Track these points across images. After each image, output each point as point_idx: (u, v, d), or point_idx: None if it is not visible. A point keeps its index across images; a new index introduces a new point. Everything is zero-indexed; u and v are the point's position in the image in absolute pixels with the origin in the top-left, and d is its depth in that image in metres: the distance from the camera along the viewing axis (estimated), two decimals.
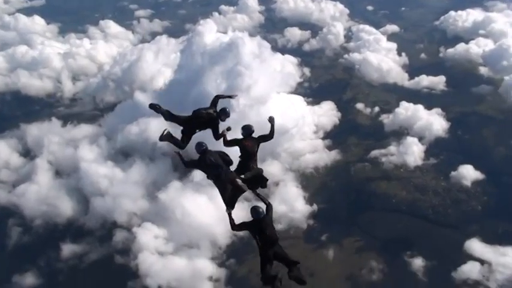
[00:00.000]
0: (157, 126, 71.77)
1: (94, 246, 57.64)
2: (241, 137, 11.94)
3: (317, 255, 55.42)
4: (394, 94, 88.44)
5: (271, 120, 12.21)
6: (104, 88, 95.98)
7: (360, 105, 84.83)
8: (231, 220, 10.46)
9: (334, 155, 72.04)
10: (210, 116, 11.70)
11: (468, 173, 63.37)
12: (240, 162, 11.57)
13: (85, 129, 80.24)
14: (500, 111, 78.80)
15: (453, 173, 64.24)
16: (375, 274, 52.02)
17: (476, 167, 64.08)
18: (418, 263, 52.11)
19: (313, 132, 77.49)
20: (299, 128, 73.75)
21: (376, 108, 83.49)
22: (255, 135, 12.05)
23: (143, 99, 79.98)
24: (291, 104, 79.06)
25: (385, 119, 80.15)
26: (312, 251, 56.30)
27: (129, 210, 60.27)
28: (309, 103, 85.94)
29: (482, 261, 50.45)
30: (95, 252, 56.97)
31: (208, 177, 11.08)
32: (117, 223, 59.35)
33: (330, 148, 74.09)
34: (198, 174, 65.00)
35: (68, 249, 56.88)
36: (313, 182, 67.52)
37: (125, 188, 62.80)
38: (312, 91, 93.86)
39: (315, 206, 61.79)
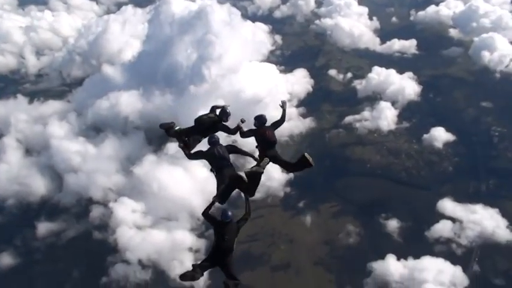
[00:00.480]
0: (127, 99, 70.40)
1: (71, 223, 56.70)
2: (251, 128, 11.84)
3: (295, 221, 56.21)
4: (366, 59, 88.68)
5: (283, 104, 12.37)
6: (70, 62, 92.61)
7: (332, 72, 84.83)
8: (209, 207, 10.37)
9: (308, 123, 72.27)
10: (213, 120, 11.83)
11: (440, 135, 64.81)
12: (260, 152, 11.53)
13: (53, 106, 77.78)
14: (470, 73, 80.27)
15: (425, 136, 65.60)
16: (352, 237, 53.21)
17: (448, 129, 65.55)
18: (393, 224, 53.52)
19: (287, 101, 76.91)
20: (273, 96, 73.21)
21: (349, 74, 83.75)
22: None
23: (111, 72, 77.89)
24: (264, 72, 78.21)
25: (358, 84, 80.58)
26: (289, 218, 57.03)
27: (105, 186, 59.27)
28: (281, 71, 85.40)
29: (454, 220, 52.26)
30: (72, 229, 56.08)
31: (211, 169, 11.12)
32: (92, 199, 58.36)
33: (304, 116, 74.22)
34: (172, 147, 64.38)
35: (44, 227, 55.79)
36: (288, 150, 67.55)
37: (99, 164, 61.55)
38: (284, 59, 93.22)
39: (291, 174, 62.08)
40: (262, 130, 11.59)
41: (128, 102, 70.09)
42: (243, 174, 10.17)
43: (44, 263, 53.28)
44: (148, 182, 57.53)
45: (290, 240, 53.54)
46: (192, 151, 11.52)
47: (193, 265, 9.93)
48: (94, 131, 69.77)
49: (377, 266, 48.17)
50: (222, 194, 10.36)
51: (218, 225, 10.22)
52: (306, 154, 11.04)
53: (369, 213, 55.60)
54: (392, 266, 47.65)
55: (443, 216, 52.85)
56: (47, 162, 63.82)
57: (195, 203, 56.28)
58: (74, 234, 55.61)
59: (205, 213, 10.35)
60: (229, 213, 10.29)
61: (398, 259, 48.29)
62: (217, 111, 12.10)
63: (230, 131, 11.83)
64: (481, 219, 51.40)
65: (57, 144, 64.49)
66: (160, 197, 56.12)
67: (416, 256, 48.19)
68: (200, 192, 57.18)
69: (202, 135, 11.72)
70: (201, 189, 57.86)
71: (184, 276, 9.67)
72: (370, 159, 63.89)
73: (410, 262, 47.87)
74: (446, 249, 49.66)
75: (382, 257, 48.80)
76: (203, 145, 11.82)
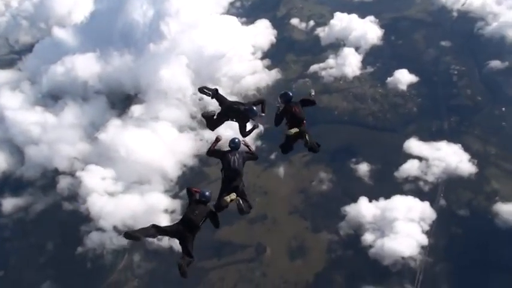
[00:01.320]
0: (84, 63, 66.92)
1: (38, 197, 55.03)
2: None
3: (268, 174, 56.52)
4: (327, 6, 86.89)
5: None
6: (16, 27, 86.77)
7: (294, 21, 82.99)
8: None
9: (274, 75, 71.20)
10: (239, 110, 11.67)
11: (403, 77, 65.45)
12: (289, 126, 11.63)
13: (3, 75, 73.32)
14: (428, 14, 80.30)
15: (389, 79, 66.14)
16: (325, 184, 54.20)
17: (410, 71, 66.12)
18: (363, 168, 54.72)
19: (251, 53, 75.41)
20: (236, 50, 71.50)
21: (311, 22, 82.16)
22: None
23: (63, 35, 73.45)
24: (225, 26, 75.77)
25: (321, 32, 79.43)
26: (263, 170, 57.23)
27: (70, 155, 57.34)
28: (243, 23, 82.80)
29: (420, 158, 53.85)
30: (40, 202, 54.54)
31: (222, 169, 10.95)
32: (58, 170, 56.48)
33: (269, 68, 72.94)
34: (137, 110, 62.48)
35: (9, 203, 54.06)
36: None
37: (61, 133, 59.22)
38: (245, 10, 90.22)
39: (261, 127, 61.65)
40: (289, 107, 11.62)
41: (85, 66, 66.65)
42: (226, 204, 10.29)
43: (14, 240, 52.02)
44: (115, 147, 56.02)
45: (265, 192, 53.99)
46: (215, 146, 11.29)
47: (152, 225, 9.99)
48: (51, 99, 66.46)
49: (350, 209, 49.61)
50: (218, 206, 10.41)
51: (194, 201, 10.28)
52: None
53: (340, 159, 56.47)
54: (364, 208, 49.21)
55: (410, 156, 54.32)
56: (3, 136, 60.95)
57: (166, 164, 55.57)
58: (43, 207, 54.13)
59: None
60: (208, 194, 10.42)
61: (370, 201, 49.81)
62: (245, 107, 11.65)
63: (241, 131, 11.85)
64: (445, 156, 53.19)
65: (13, 116, 61.40)
66: (129, 161, 54.88)
67: (387, 196, 49.80)
68: (170, 153, 56.36)
69: (227, 116, 11.76)
70: (171, 150, 57.05)
71: (127, 235, 9.75)
72: (337, 107, 64.21)
73: (382, 203, 49.49)
74: (414, 187, 51.43)
75: (354, 200, 50.21)
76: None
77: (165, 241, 49.82)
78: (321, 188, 53.91)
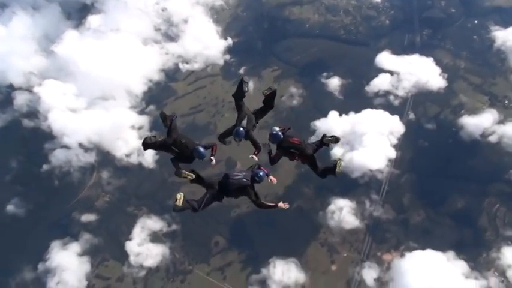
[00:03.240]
0: None
1: None
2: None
3: None
4: None
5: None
6: None
7: None
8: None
9: None
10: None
11: None
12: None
13: None
14: None
15: None
16: (295, 99, 53.56)
17: None
18: (334, 82, 53.93)
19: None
20: None
21: None
22: None
23: None
24: None
25: None
26: (232, 85, 55.48)
27: (24, 70, 53.56)
28: None
29: (392, 73, 53.39)
30: None
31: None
32: (13, 85, 53.16)
33: None
34: (95, 20, 57.86)
35: None
36: (224, 15, 63.36)
37: (12, 45, 54.57)
38: None
39: (229, 40, 59.08)
40: (290, 141, 10.94)
41: None
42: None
43: None
44: (73, 61, 52.55)
45: (234, 108, 52.49)
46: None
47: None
48: None
49: (320, 124, 49.55)
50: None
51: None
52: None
53: (310, 74, 55.40)
54: (334, 122, 49.24)
55: (381, 70, 53.71)
56: None
57: (130, 79, 52.95)
58: (1, 124, 51.65)
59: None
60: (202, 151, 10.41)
61: (340, 115, 49.73)
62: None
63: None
64: (416, 70, 52.86)
65: None
66: (91, 76, 51.93)
67: (357, 111, 49.85)
68: (134, 67, 53.47)
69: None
70: (135, 64, 54.05)
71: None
72: (308, 19, 61.53)
73: (352, 117, 49.63)
74: (384, 102, 51.53)
75: (325, 115, 50.00)
76: None
77: (134, 157, 49.22)
78: (292, 103, 53.31)
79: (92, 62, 52.05)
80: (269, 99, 11.22)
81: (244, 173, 10.19)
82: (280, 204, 10.21)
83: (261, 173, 10.16)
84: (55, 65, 53.85)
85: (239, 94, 11.30)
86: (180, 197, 9.77)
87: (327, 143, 11.02)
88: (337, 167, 10.68)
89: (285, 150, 10.99)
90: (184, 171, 10.10)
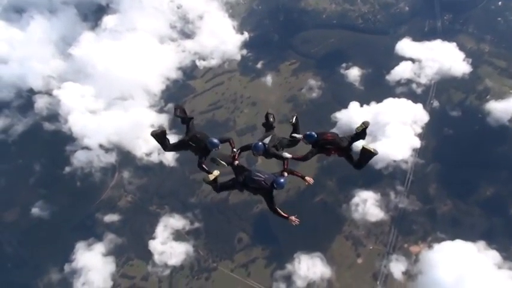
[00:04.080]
0: None
1: (17, 118, 52.93)
2: None
3: (256, 84, 54.56)
4: None
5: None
6: None
7: None
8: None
9: None
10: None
11: None
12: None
13: None
14: None
15: None
16: (315, 91, 52.66)
17: None
18: (354, 73, 52.84)
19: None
20: None
21: None
22: None
23: None
24: None
25: None
26: (250, 81, 55.20)
27: (44, 73, 54.09)
28: None
29: (413, 60, 51.99)
30: (20, 123, 52.62)
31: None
32: (34, 89, 53.66)
33: None
34: (110, 21, 58.02)
35: None
36: (239, 10, 62.71)
37: (30, 50, 55.17)
38: None
39: (245, 35, 58.46)
40: (324, 138, 11.08)
41: None
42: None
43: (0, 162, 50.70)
44: (91, 62, 52.84)
45: (253, 103, 52.52)
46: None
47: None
48: (15, 12, 61.02)
49: (341, 115, 48.65)
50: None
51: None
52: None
53: (329, 66, 54.38)
54: (355, 113, 48.05)
55: (402, 58, 52.42)
56: None
57: (148, 78, 52.92)
58: (24, 129, 52.35)
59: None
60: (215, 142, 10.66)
61: (361, 106, 48.68)
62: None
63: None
64: (439, 56, 51.31)
65: None
66: (108, 77, 52.11)
67: (379, 100, 48.74)
68: (151, 66, 53.42)
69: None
70: (152, 63, 54.01)
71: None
72: (325, 9, 60.37)
73: (373, 107, 48.53)
74: (407, 90, 50.38)
75: (345, 106, 49.10)
76: None
77: (155, 156, 49.18)
78: (311, 96, 52.51)
79: (109, 63, 52.30)
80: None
81: (266, 176, 9.98)
82: (292, 218, 10.01)
83: (281, 180, 9.92)
84: (73, 68, 54.26)
85: (267, 126, 11.79)
86: (214, 174, 10.31)
87: (360, 132, 10.83)
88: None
89: (321, 147, 10.95)
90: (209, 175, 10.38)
